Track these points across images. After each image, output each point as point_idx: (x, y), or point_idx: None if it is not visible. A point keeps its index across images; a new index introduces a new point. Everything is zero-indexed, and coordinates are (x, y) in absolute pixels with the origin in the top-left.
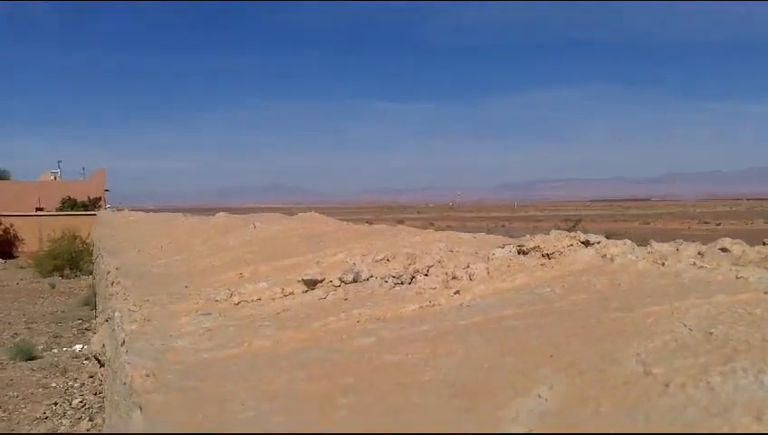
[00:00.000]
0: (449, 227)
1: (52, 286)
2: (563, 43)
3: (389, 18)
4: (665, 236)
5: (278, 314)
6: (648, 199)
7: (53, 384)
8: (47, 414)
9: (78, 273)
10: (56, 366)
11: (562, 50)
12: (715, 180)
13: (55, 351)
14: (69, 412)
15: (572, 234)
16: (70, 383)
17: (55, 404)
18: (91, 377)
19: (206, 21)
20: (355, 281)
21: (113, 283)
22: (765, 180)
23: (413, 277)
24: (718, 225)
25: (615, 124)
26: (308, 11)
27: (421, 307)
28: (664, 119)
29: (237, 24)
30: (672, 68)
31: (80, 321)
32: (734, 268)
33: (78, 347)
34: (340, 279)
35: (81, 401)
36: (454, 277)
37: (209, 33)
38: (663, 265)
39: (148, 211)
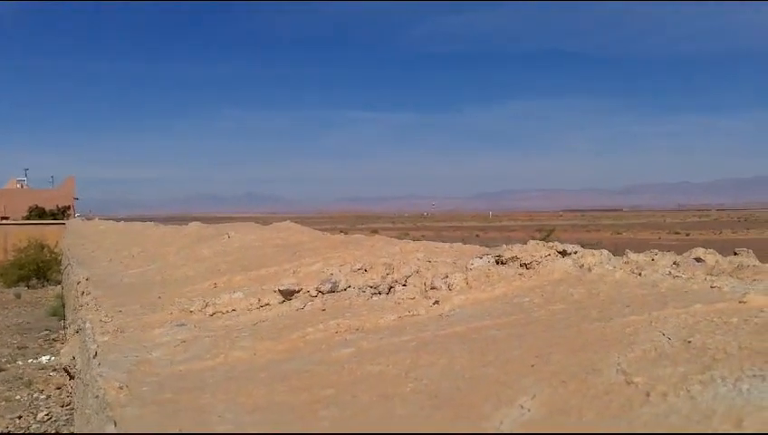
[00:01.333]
0: (424, 237)
1: (18, 296)
2: (538, 55)
3: (367, 26)
4: (637, 246)
5: (255, 324)
6: (620, 209)
7: (18, 397)
8: (9, 429)
9: (45, 283)
10: (20, 379)
11: (536, 62)
12: (683, 191)
13: (20, 363)
14: (33, 426)
15: (550, 244)
16: (35, 396)
17: (19, 417)
18: (59, 389)
19: (182, 29)
20: (332, 291)
21: (83, 293)
22: (732, 192)
23: (391, 287)
24: (688, 235)
25: (587, 135)
26: (285, 20)
27: (400, 317)
28: (634, 130)
29: (214, 32)
30: (643, 81)
31: (47, 332)
32: (708, 278)
33: (45, 359)
34: (317, 289)
35: (46, 414)
36: (432, 287)
37: (185, 41)
38: (640, 274)
39: (119, 220)
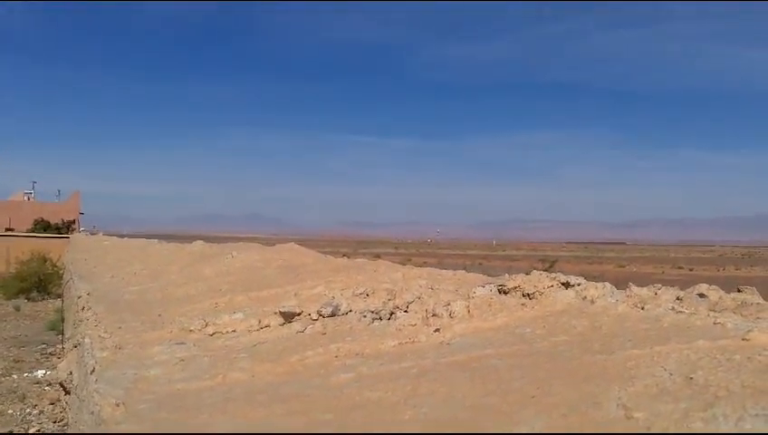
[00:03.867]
0: (426, 264)
1: (17, 309)
2: (543, 87)
3: (373, 52)
4: (640, 280)
5: (254, 346)
6: (623, 243)
7: (10, 411)
8: None
9: (46, 296)
10: (14, 392)
11: (542, 93)
12: (687, 227)
13: (15, 376)
14: (51, 431)
15: (553, 275)
16: (27, 411)
17: (10, 433)
18: (52, 404)
19: (190, 49)
20: (333, 315)
21: (84, 308)
22: (735, 228)
23: (392, 313)
24: (691, 270)
25: (592, 168)
26: (293, 44)
27: (401, 344)
28: (639, 165)
29: (222, 53)
30: (647, 115)
31: (44, 345)
32: (711, 314)
33: (40, 373)
34: (318, 312)
35: (38, 430)
36: (434, 315)
37: (196, 61)
38: (643, 308)
39: (122, 236)
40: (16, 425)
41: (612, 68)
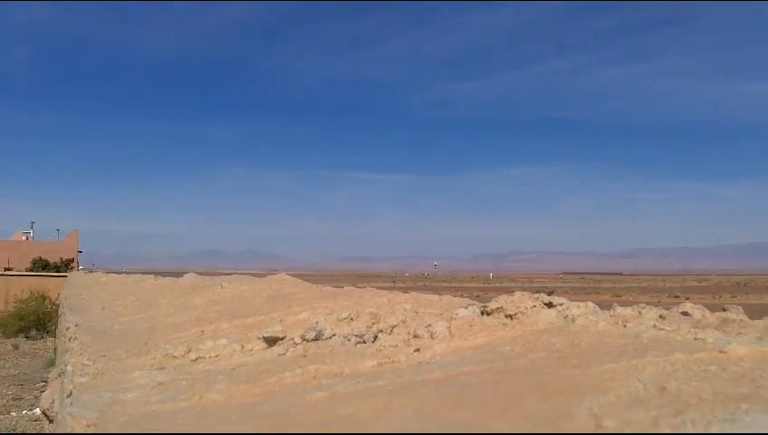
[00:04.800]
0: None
1: (16, 347)
2: (537, 122)
3: (371, 90)
4: None
5: (233, 369)
6: (620, 273)
7: None
8: None
9: (44, 334)
10: (13, 430)
11: (536, 128)
12: (683, 256)
13: (14, 414)
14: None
15: (536, 295)
16: None
17: None
18: None
19: (186, 88)
20: (317, 339)
21: (70, 338)
22: (731, 257)
23: (376, 336)
24: (687, 299)
25: (587, 200)
26: (289, 82)
27: (379, 364)
28: (634, 196)
29: (218, 93)
30: (643, 147)
31: (43, 383)
32: (693, 330)
33: (38, 410)
34: (301, 337)
35: None
36: (415, 336)
37: (188, 99)
38: (624, 326)
39: (120, 273)
40: None
41: (608, 103)
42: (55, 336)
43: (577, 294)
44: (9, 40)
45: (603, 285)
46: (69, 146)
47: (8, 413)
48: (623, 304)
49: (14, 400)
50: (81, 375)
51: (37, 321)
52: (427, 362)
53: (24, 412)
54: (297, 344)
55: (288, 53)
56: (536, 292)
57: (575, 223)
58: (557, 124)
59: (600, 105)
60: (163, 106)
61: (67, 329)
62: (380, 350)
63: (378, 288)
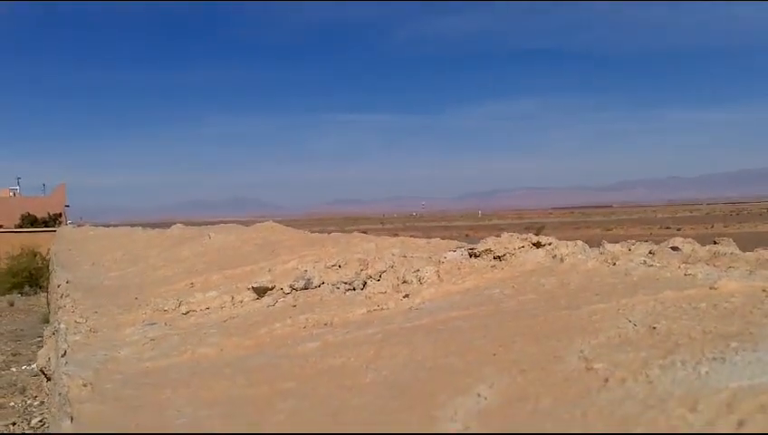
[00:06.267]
0: (413, 237)
1: (11, 304)
2: (521, 54)
3: (351, 30)
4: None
5: (224, 321)
6: (610, 206)
7: (12, 404)
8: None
9: (38, 290)
10: (14, 385)
11: (520, 61)
12: (673, 186)
13: (14, 369)
14: (27, 432)
15: (524, 235)
16: (29, 402)
17: (13, 424)
18: (49, 394)
19: (166, 35)
20: (306, 288)
21: (62, 296)
22: (721, 186)
23: (365, 283)
24: (679, 229)
25: (575, 133)
26: (269, 24)
27: (369, 311)
28: (622, 127)
29: (196, 38)
30: (629, 77)
31: (39, 338)
32: (683, 266)
33: (35, 366)
34: (290, 286)
35: (40, 421)
36: (404, 281)
37: (169, 47)
38: (614, 264)
39: (108, 226)
40: (19, 416)
41: (592, 32)
42: (48, 292)
43: (567, 228)
44: None
45: (594, 219)
46: (51, 100)
47: (9, 369)
48: (614, 238)
49: (12, 355)
50: (74, 333)
51: (30, 277)
52: (417, 308)
53: (23, 367)
54: (287, 294)
55: None
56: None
57: (563, 157)
58: (542, 56)
59: (585, 34)
60: (143, 55)
61: (58, 286)
62: (369, 297)
63: (366, 231)
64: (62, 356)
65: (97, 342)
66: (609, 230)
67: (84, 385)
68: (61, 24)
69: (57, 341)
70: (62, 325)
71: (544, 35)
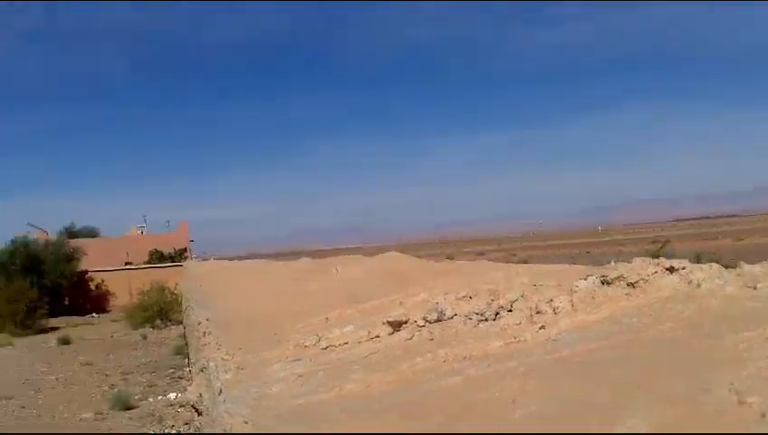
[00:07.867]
0: (532, 257)
1: (144, 337)
2: (630, 61)
3: (456, 49)
4: (760, 252)
5: (366, 357)
6: (734, 215)
7: (151, 432)
8: None
9: (168, 323)
10: (152, 415)
11: (628, 66)
12: None
13: (151, 400)
14: None
15: (656, 260)
16: (166, 431)
17: None
18: (187, 424)
19: (264, 73)
20: (439, 320)
21: (205, 333)
22: None
23: (497, 313)
24: None
25: (693, 140)
26: (374, 50)
27: (506, 344)
28: (745, 130)
29: (305, 67)
30: (739, 79)
31: (172, 370)
32: None
33: (172, 396)
34: (424, 319)
35: None
36: (538, 312)
37: (270, 83)
38: (755, 288)
39: (231, 259)
40: None
41: (697, 36)
42: (179, 325)
43: (693, 241)
44: (99, 38)
45: (721, 229)
46: (165, 139)
47: (146, 399)
48: (745, 248)
49: (149, 386)
50: (224, 371)
51: (160, 311)
52: (554, 340)
53: (159, 398)
54: (421, 327)
55: (369, 20)
56: (651, 242)
57: (683, 164)
58: (651, 60)
59: (687, 39)
60: (237, 91)
61: (199, 323)
62: (505, 329)
63: (484, 253)
64: (219, 394)
65: (247, 379)
66: (740, 240)
67: (246, 423)
68: (162, 65)
69: (209, 378)
70: (212, 363)
71: (650, 41)
